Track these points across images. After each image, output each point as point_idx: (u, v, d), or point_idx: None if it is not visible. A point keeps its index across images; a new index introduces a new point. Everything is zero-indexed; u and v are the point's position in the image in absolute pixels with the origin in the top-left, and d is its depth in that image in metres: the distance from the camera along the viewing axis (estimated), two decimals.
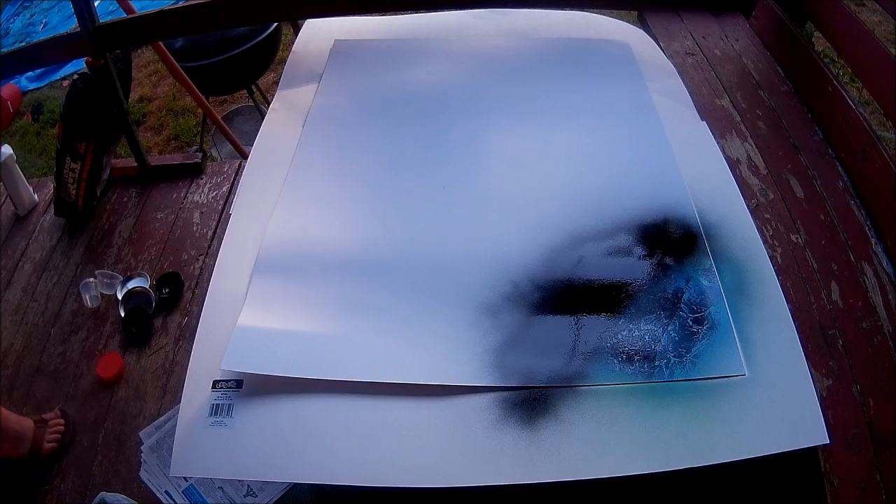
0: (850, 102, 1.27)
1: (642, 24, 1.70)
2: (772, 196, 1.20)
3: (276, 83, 1.22)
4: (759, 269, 0.83)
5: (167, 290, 1.68)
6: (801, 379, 0.72)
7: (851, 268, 1.09)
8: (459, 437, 0.70)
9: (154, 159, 2.08)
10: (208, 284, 0.86)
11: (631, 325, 0.77)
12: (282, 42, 2.58)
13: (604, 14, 1.44)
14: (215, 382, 0.75)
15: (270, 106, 1.15)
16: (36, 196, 1.98)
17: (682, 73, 1.30)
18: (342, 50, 1.28)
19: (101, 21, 1.67)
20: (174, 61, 2.03)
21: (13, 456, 1.38)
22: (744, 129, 1.33)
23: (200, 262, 1.76)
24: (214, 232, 1.84)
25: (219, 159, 2.72)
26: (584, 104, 1.12)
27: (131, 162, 2.02)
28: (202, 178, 2.01)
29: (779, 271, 0.85)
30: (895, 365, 0.96)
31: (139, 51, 3.54)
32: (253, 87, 2.68)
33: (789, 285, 1.05)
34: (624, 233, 0.88)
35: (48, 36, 1.80)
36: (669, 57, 1.37)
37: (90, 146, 1.79)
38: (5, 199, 1.96)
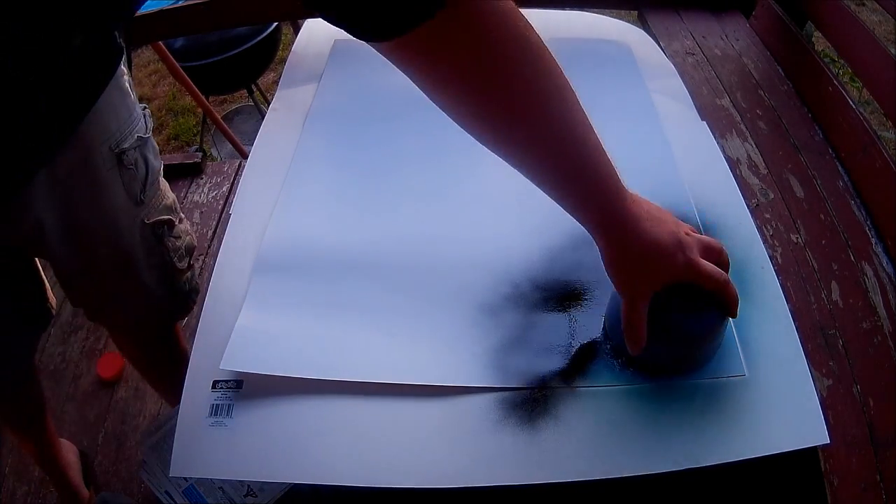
0: (850, 102, 1.28)
1: (642, 24, 1.70)
2: (772, 196, 1.20)
3: (276, 83, 1.22)
4: (759, 269, 0.83)
5: None
6: (801, 379, 0.72)
7: (851, 268, 1.09)
8: (459, 437, 0.70)
9: None
10: (208, 284, 0.86)
11: None
12: (282, 42, 2.58)
13: (604, 14, 1.45)
14: (215, 382, 0.75)
15: (270, 106, 1.15)
16: None
17: (682, 73, 1.30)
18: (342, 50, 1.28)
19: None
20: (174, 61, 2.03)
21: None
22: (744, 129, 1.34)
23: (200, 262, 1.76)
24: (214, 232, 1.84)
25: (219, 159, 2.72)
26: (583, 104, 1.12)
27: None
28: (202, 178, 2.01)
29: (779, 271, 0.85)
30: (895, 365, 0.96)
31: (139, 51, 3.54)
32: (253, 87, 2.68)
33: (789, 285, 1.06)
34: None
35: None
36: (669, 57, 1.37)
37: None
38: None
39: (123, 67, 0.89)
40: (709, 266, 0.68)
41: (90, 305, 1.11)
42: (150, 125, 0.98)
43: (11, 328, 1.03)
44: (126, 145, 0.90)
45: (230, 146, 2.43)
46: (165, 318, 1.21)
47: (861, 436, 0.89)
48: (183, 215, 1.12)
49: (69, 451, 1.44)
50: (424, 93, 0.65)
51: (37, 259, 1.05)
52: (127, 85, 0.90)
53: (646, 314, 0.68)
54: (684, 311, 0.67)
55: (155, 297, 1.09)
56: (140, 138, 0.93)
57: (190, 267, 1.13)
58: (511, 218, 0.92)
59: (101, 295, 1.06)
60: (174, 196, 1.08)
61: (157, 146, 1.01)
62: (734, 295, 0.69)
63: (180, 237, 1.08)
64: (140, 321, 1.16)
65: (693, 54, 1.55)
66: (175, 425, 0.72)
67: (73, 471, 1.40)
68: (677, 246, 0.67)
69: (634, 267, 0.67)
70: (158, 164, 1.01)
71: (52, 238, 0.89)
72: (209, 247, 1.80)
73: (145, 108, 0.98)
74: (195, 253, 1.15)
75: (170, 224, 1.04)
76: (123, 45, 0.85)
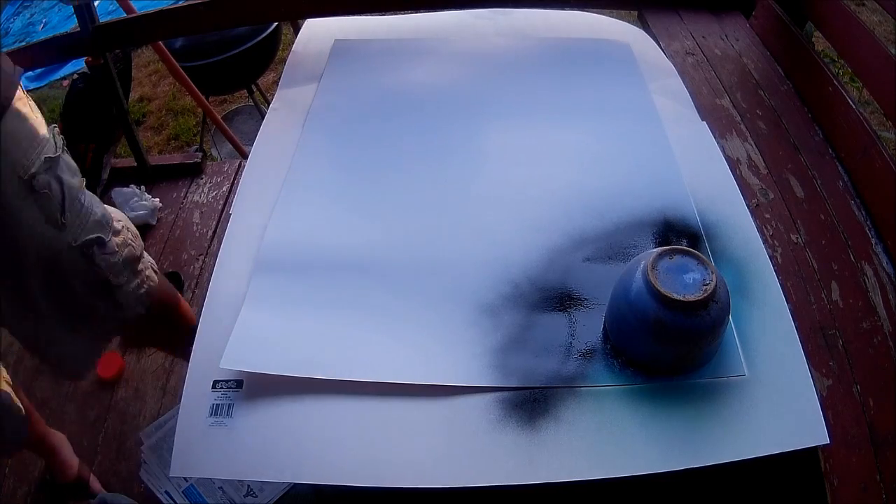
0: (850, 102, 1.27)
1: (642, 24, 1.70)
2: (772, 196, 1.20)
3: (276, 83, 1.22)
4: (759, 269, 0.83)
5: None
6: (801, 379, 0.72)
7: (851, 268, 1.09)
8: (459, 437, 0.70)
9: (154, 159, 2.08)
10: (208, 284, 0.86)
11: None
12: (282, 42, 2.58)
13: (604, 14, 1.44)
14: (215, 382, 0.75)
15: (270, 106, 1.15)
16: None
17: (682, 73, 1.30)
18: (342, 50, 1.28)
19: (101, 21, 1.67)
20: (174, 61, 2.03)
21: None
22: (744, 129, 1.33)
23: (200, 262, 1.76)
24: (214, 232, 1.84)
25: (219, 159, 2.72)
26: (584, 104, 1.12)
27: (131, 162, 2.02)
28: (202, 178, 2.01)
29: (779, 271, 0.85)
30: (895, 365, 0.96)
31: (139, 51, 3.53)
32: (253, 87, 2.68)
33: (789, 285, 1.05)
34: (624, 234, 0.88)
35: (48, 36, 1.80)
36: (669, 57, 1.37)
37: (90, 146, 1.79)
38: None
39: (21, 91, 0.86)
40: None
41: (29, 339, 1.05)
42: (60, 144, 0.93)
43: None
44: (34, 169, 0.86)
45: (230, 146, 2.43)
46: (111, 331, 1.15)
47: (861, 436, 0.89)
48: (121, 224, 1.04)
49: (53, 435, 1.42)
50: None
51: None
52: (27, 108, 0.87)
53: None
54: (684, 311, 0.67)
55: (96, 317, 1.03)
56: (49, 159, 0.89)
57: (131, 278, 1.04)
58: (511, 218, 0.92)
59: (42, 325, 1.00)
60: (104, 209, 1.01)
61: (72, 163, 0.96)
62: None
63: (115, 252, 1.01)
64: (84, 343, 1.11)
65: (693, 54, 1.55)
66: (175, 425, 0.72)
67: (64, 449, 1.39)
68: None
69: None
70: (77, 180, 0.96)
71: None
72: (209, 247, 1.80)
73: (54, 126, 0.94)
74: (143, 263, 1.08)
75: (100, 242, 0.97)
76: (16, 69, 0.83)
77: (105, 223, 1.00)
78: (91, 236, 0.96)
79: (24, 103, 0.87)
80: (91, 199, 0.99)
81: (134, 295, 1.07)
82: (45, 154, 0.88)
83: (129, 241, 1.05)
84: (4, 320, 0.97)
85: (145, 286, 1.09)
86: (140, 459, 1.34)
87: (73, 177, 0.94)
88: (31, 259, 0.90)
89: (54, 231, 0.91)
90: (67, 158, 0.94)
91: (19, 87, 0.86)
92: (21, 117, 0.86)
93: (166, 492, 1.10)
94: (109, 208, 1.04)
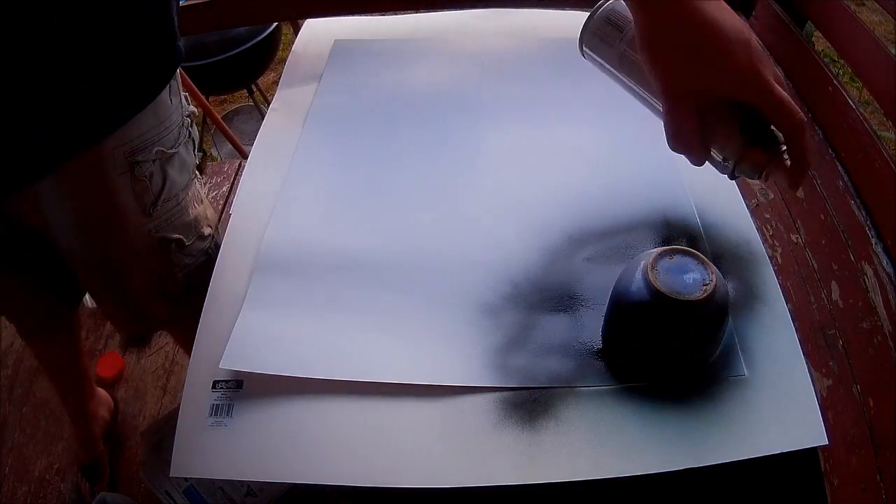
0: (850, 102, 1.27)
1: None
2: (772, 196, 1.20)
3: (276, 83, 1.22)
4: (759, 269, 0.83)
5: None
6: (801, 379, 0.72)
7: (851, 268, 1.09)
8: (459, 437, 0.70)
9: None
10: (209, 284, 0.86)
11: None
12: (282, 42, 2.58)
13: None
14: (215, 382, 0.75)
15: (270, 106, 1.15)
16: None
17: None
18: (342, 50, 1.28)
19: None
20: None
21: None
22: None
23: None
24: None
25: (219, 159, 2.72)
26: (583, 104, 1.12)
27: None
28: (202, 178, 2.01)
29: (779, 271, 0.85)
30: (895, 365, 0.96)
31: None
32: (253, 86, 2.68)
33: (789, 285, 1.06)
34: (624, 234, 0.88)
35: None
36: None
37: None
38: None
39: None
40: (783, 92, 0.53)
41: (99, 299, 1.08)
42: (183, 137, 0.91)
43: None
44: (141, 157, 0.83)
45: (230, 146, 2.43)
46: (155, 327, 1.16)
47: (861, 436, 0.89)
48: (209, 231, 1.02)
49: (101, 404, 1.46)
50: None
51: None
52: (165, 93, 0.84)
53: (692, 119, 0.56)
54: (684, 311, 0.67)
55: (146, 306, 1.03)
56: (161, 152, 0.86)
57: (194, 289, 0.99)
58: (511, 218, 0.92)
59: (106, 290, 1.02)
60: (202, 212, 1.00)
61: (188, 159, 0.93)
62: (806, 146, 0.55)
63: (193, 255, 1.00)
64: (130, 322, 1.12)
65: None
66: (175, 425, 0.72)
67: (97, 424, 1.42)
68: (744, 41, 0.52)
69: (680, 47, 0.53)
70: (184, 179, 0.93)
71: (57, 230, 0.87)
72: None
73: (189, 115, 0.91)
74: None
75: (179, 243, 0.96)
76: (182, 52, 0.81)
77: (193, 226, 0.98)
78: (173, 235, 0.95)
79: (166, 88, 0.84)
80: (191, 199, 0.97)
81: (184, 304, 1.04)
82: (159, 146, 0.85)
83: (211, 251, 1.03)
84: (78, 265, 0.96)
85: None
86: (140, 459, 1.34)
87: (181, 174, 0.92)
88: (113, 223, 0.88)
89: (140, 213, 0.89)
90: (184, 154, 0.91)
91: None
92: (156, 101, 0.82)
93: (166, 492, 1.10)
94: (210, 213, 1.03)
